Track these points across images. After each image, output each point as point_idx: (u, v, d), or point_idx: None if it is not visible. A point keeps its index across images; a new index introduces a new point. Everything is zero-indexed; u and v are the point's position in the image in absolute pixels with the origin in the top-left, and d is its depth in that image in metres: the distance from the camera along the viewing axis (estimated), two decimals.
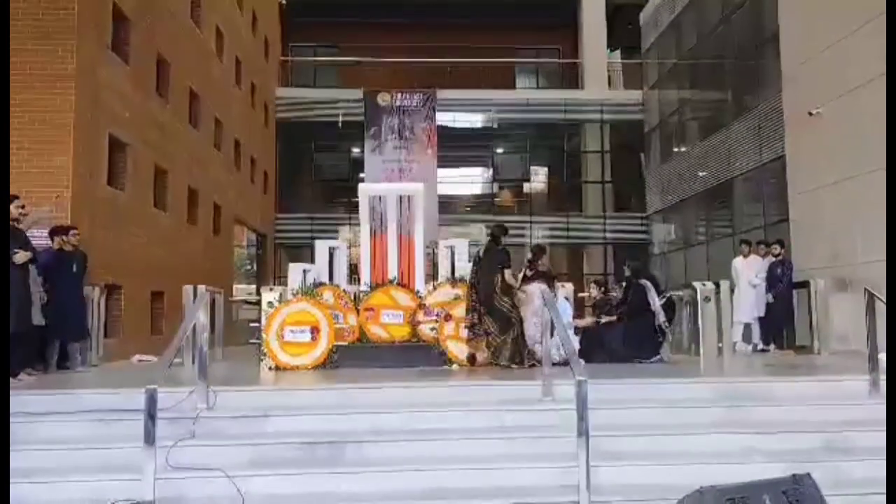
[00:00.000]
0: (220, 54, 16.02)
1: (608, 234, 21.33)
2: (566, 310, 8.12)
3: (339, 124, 20.63)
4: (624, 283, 9.31)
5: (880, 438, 4.53)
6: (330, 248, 8.88)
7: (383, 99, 20.23)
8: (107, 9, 10.25)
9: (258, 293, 10.02)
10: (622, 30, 22.42)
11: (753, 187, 13.87)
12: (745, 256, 10.55)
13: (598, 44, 22.25)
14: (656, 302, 8.19)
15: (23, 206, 7.16)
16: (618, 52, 23.43)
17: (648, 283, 8.37)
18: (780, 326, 10.00)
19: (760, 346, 10.03)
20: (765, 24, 13.15)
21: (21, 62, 8.88)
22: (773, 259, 10.02)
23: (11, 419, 4.75)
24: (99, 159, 9.93)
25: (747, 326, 10.30)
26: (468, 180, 23.85)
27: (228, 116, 16.37)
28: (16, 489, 4.22)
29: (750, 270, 10.32)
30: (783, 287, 9.84)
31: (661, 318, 8.12)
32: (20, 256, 6.42)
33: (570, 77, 23.23)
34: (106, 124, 10.15)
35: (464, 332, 7.56)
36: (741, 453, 4.76)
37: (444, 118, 20.80)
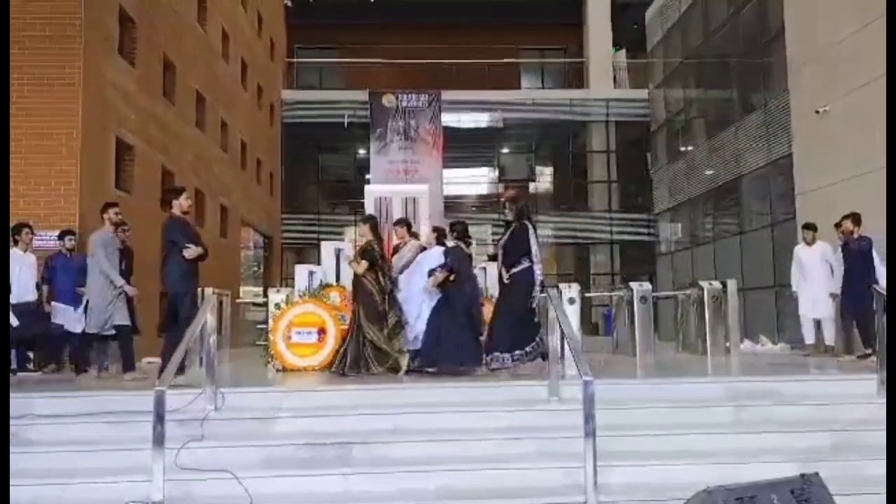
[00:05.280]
0: (226, 56, 16.07)
1: (614, 234, 21.31)
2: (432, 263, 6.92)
3: (345, 125, 20.68)
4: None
5: None
6: (336, 250, 8.89)
7: (388, 100, 20.25)
8: (113, 12, 10.30)
9: (265, 295, 10.05)
10: (627, 28, 22.39)
11: (761, 186, 13.81)
12: (810, 244, 8.95)
13: (603, 43, 22.23)
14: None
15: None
16: (623, 51, 23.40)
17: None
18: None
19: (861, 352, 7.93)
20: (771, 22, 13.10)
21: (28, 65, 8.95)
22: None
23: (21, 421, 4.79)
24: (106, 162, 9.98)
25: (817, 323, 8.93)
26: (474, 180, 23.88)
27: (234, 118, 16.41)
28: (27, 490, 4.25)
29: (818, 258, 8.81)
30: None
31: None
32: (191, 252, 6.24)
33: (576, 76, 23.22)
34: (113, 127, 10.19)
35: None
36: (749, 452, 4.74)
37: (449, 119, 20.82)
